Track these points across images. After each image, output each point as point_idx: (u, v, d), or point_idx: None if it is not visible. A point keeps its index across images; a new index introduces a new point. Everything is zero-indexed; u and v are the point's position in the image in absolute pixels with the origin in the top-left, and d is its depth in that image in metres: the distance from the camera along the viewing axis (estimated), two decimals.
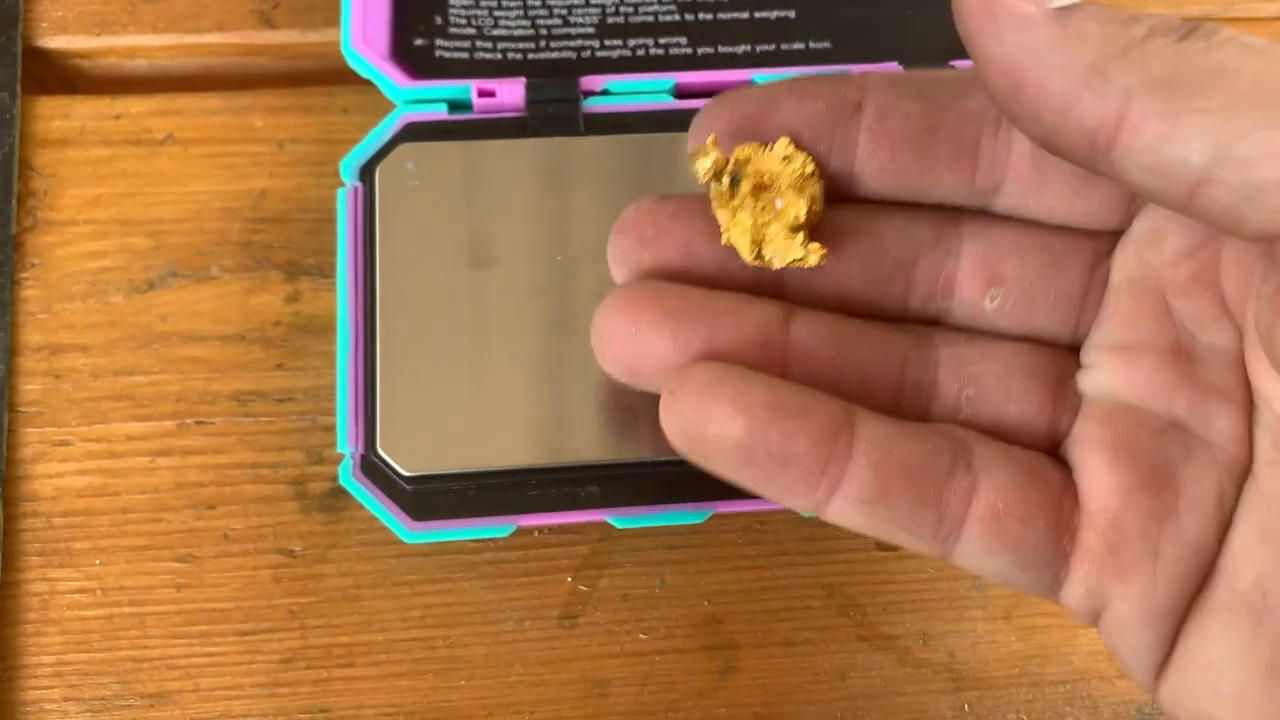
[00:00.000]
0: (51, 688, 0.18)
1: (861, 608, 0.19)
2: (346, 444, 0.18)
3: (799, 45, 0.21)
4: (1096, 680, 0.19)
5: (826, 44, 0.21)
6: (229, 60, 0.22)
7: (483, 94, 0.20)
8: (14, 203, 0.20)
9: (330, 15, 0.22)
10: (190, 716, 0.18)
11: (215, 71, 0.22)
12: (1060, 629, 0.19)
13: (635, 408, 0.18)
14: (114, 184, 0.21)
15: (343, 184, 0.19)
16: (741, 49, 0.21)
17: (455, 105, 0.20)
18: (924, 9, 0.21)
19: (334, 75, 0.21)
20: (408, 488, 0.18)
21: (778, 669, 0.19)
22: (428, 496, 0.18)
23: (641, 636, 0.19)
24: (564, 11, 0.21)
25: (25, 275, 0.20)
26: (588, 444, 0.18)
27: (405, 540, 0.18)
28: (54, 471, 0.19)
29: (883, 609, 0.19)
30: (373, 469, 0.18)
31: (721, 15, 0.21)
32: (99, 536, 0.19)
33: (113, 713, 0.18)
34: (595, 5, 0.21)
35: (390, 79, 0.20)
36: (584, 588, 0.19)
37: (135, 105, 0.21)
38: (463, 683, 0.19)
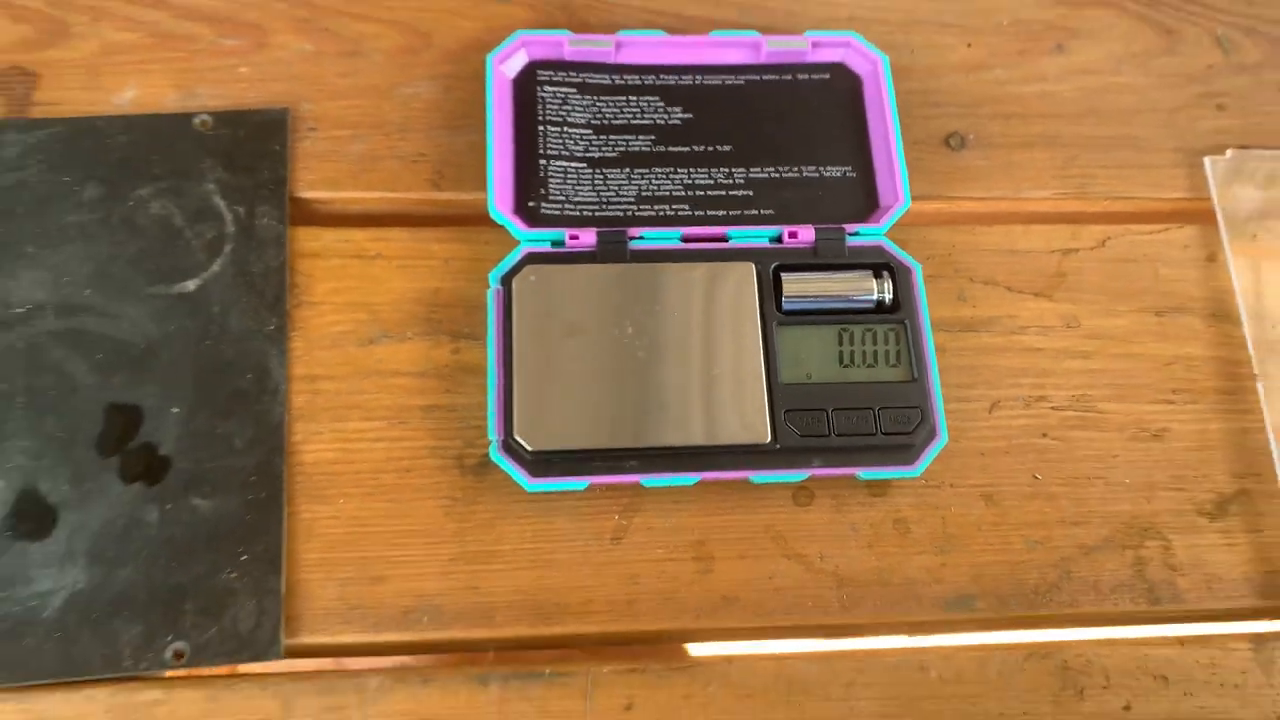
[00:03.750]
0: (315, 573, 0.31)
1: (784, 537, 0.33)
2: (494, 432, 0.32)
3: (754, 212, 0.36)
4: (914, 584, 0.33)
5: (772, 212, 0.36)
6: (414, 208, 0.36)
7: (571, 237, 0.34)
8: (287, 291, 0.34)
9: (478, 183, 0.36)
10: (396, 589, 0.31)
11: (407, 214, 0.36)
12: (900, 554, 0.33)
13: (662, 409, 0.32)
14: (346, 281, 0.35)
15: (489, 286, 0.33)
16: (720, 213, 0.36)
17: (555, 242, 0.34)
18: (831, 192, 0.36)
19: (480, 220, 0.35)
20: (529, 458, 0.32)
21: (735, 571, 0.32)
22: (541, 464, 0.32)
23: (658, 551, 0.32)
24: (615, 189, 0.36)
25: (294, 333, 0.34)
26: (628, 436, 0.32)
27: (527, 490, 0.31)
28: (313, 448, 0.33)
29: (798, 539, 0.33)
30: (508, 447, 0.32)
31: (709, 193, 0.36)
32: (341, 487, 0.32)
33: (351, 586, 0.31)
34: (633, 185, 0.36)
35: (516, 226, 0.34)
36: (624, 522, 0.33)
37: (357, 234, 0.35)
38: (555, 575, 0.32)
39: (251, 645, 0.30)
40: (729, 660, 0.32)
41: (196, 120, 0.36)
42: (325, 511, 0.32)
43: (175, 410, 0.33)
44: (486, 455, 0.33)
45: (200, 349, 0.33)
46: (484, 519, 0.32)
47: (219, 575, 0.31)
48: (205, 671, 0.30)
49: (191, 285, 0.34)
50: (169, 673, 0.30)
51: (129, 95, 0.36)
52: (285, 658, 0.30)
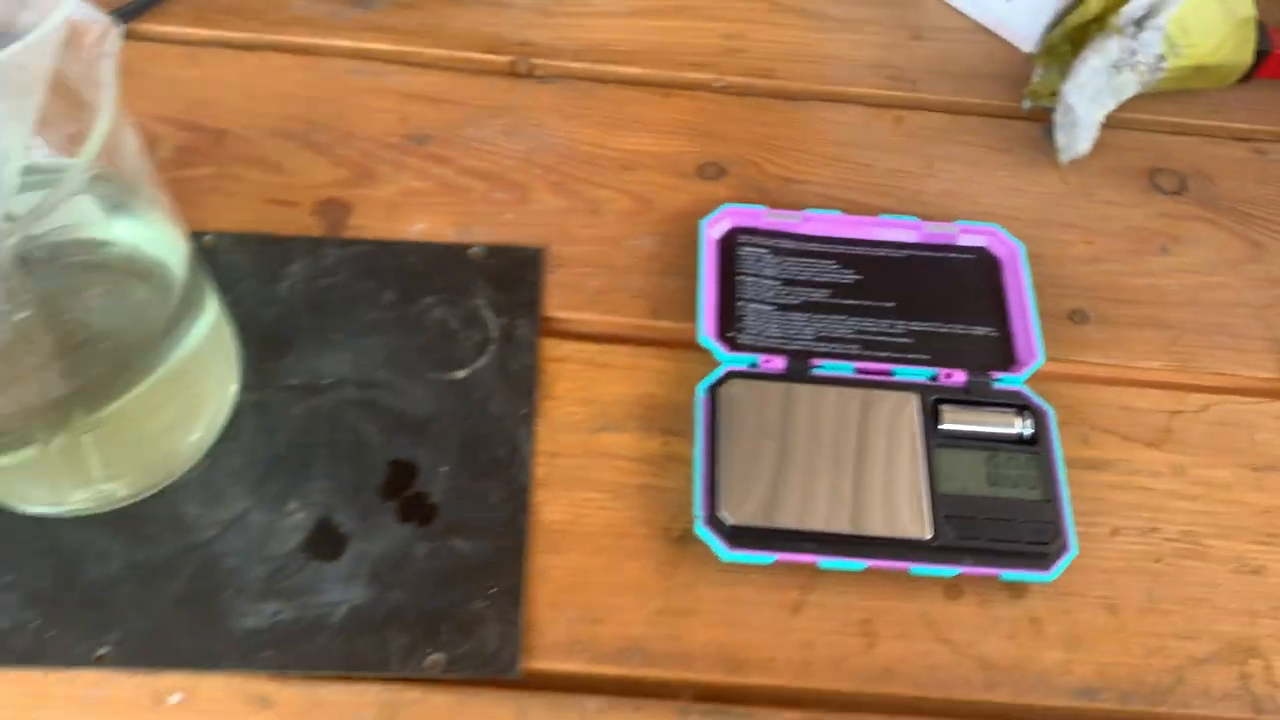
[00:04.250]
0: (547, 611, 0.38)
1: (936, 624, 0.39)
2: (699, 509, 0.39)
3: (913, 355, 0.44)
4: (1047, 673, 0.38)
5: (928, 356, 0.44)
6: (635, 332, 0.45)
7: (764, 362, 0.42)
8: (535, 386, 0.43)
9: (686, 316, 0.45)
10: (611, 631, 0.38)
11: (629, 336, 0.45)
12: (1034, 647, 0.38)
13: (840, 503, 0.39)
14: (580, 382, 0.43)
15: (696, 394, 0.41)
16: (884, 354, 0.44)
17: (751, 365, 0.43)
18: (976, 346, 0.44)
19: (686, 345, 0.44)
20: (729, 531, 0.38)
21: (894, 648, 0.38)
22: (737, 537, 0.38)
23: (829, 624, 0.38)
24: (798, 328, 0.44)
25: (539, 419, 0.42)
26: (812, 522, 0.39)
27: (723, 559, 0.38)
28: (550, 510, 0.40)
29: (948, 626, 0.39)
30: (711, 521, 0.39)
31: (875, 338, 0.44)
32: (570, 543, 0.39)
33: (576, 624, 0.38)
34: (813, 327, 0.44)
35: (720, 349, 0.43)
36: (801, 597, 0.39)
37: (590, 347, 0.44)
38: (742, 634, 0.38)
39: (495, 662, 0.37)
40: (895, 716, 0.37)
41: (471, 251, 0.46)
42: (557, 561, 0.39)
43: (444, 469, 0.40)
44: (687, 529, 0.40)
45: (465, 424, 0.41)
46: (685, 581, 0.39)
47: (471, 603, 0.38)
48: (457, 679, 0.37)
49: (461, 374, 0.43)
50: (427, 677, 0.36)
51: (419, 227, 0.46)
52: (522, 677, 0.37)
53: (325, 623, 0.37)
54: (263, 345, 0.42)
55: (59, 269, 0.35)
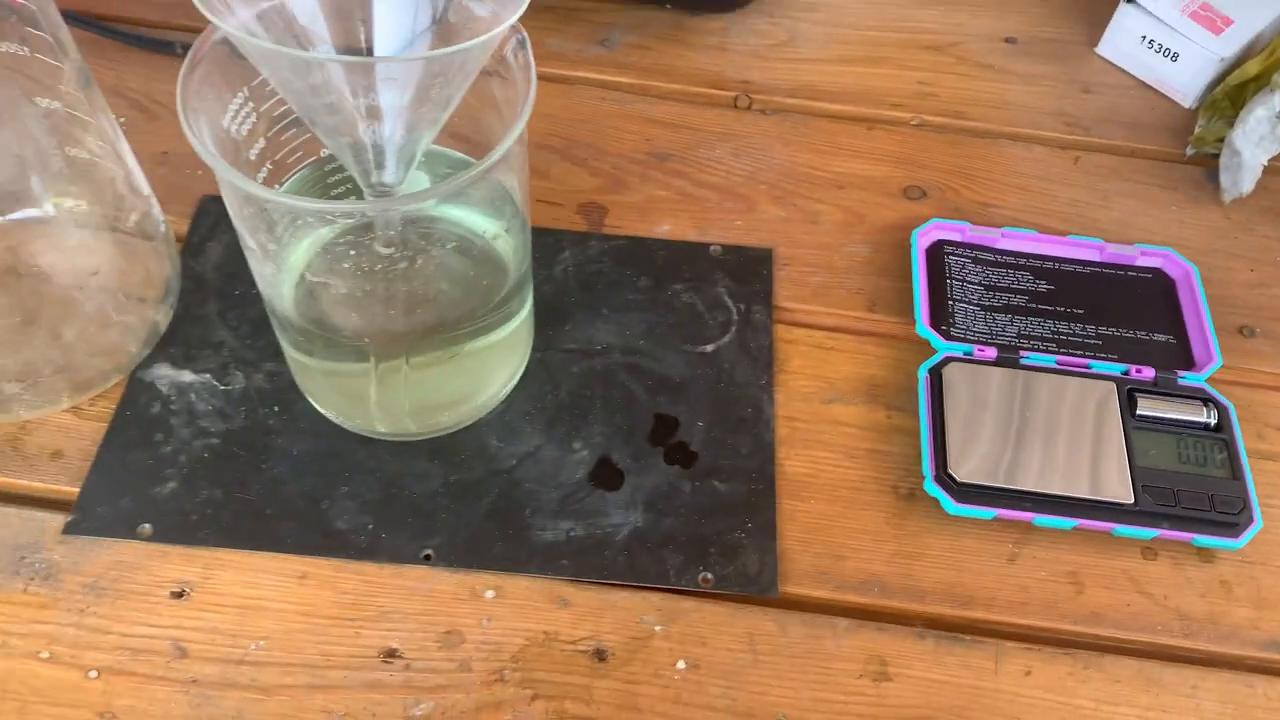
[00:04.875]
0: (796, 545, 0.44)
1: (1136, 579, 0.44)
2: (928, 468, 0.45)
3: (1104, 355, 0.50)
4: (1238, 627, 0.43)
5: (1117, 355, 0.50)
6: (855, 324, 0.51)
7: (978, 351, 0.49)
8: (773, 361, 0.49)
9: (899, 311, 0.51)
10: (853, 566, 0.43)
11: (850, 327, 0.51)
12: (1225, 605, 0.43)
13: (1054, 468, 0.44)
14: (811, 361, 0.49)
15: (919, 375, 0.48)
16: (1079, 352, 0.50)
17: (966, 353, 0.49)
18: (1158, 349, 0.50)
19: (901, 338, 0.50)
20: (956, 488, 0.44)
21: (1100, 596, 0.43)
22: (963, 493, 0.44)
23: (1042, 573, 0.44)
24: (1002, 327, 0.50)
25: (778, 389, 0.48)
26: (1029, 482, 0.44)
27: (949, 512, 0.44)
28: (792, 464, 0.46)
29: (1147, 582, 0.44)
30: (940, 479, 0.45)
31: (1070, 338, 0.50)
32: (811, 492, 0.45)
33: (822, 559, 0.44)
34: (1014, 326, 0.50)
35: (938, 338, 0.49)
36: (1017, 550, 0.44)
37: (817, 334, 0.50)
38: (966, 577, 0.43)
39: (757, 583, 0.43)
40: (1102, 654, 0.42)
41: (711, 249, 0.53)
42: (802, 507, 0.45)
43: (700, 424, 0.47)
44: (914, 487, 0.46)
45: (716, 388, 0.48)
46: (914, 531, 0.45)
47: (733, 534, 0.44)
48: (725, 593, 0.43)
49: (709, 348, 0.49)
50: (700, 591, 0.42)
51: (665, 227, 0.54)
52: (780, 597, 0.42)
53: (611, 540, 0.43)
54: (546, 315, 0.50)
55: (428, 239, 0.43)
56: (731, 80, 0.61)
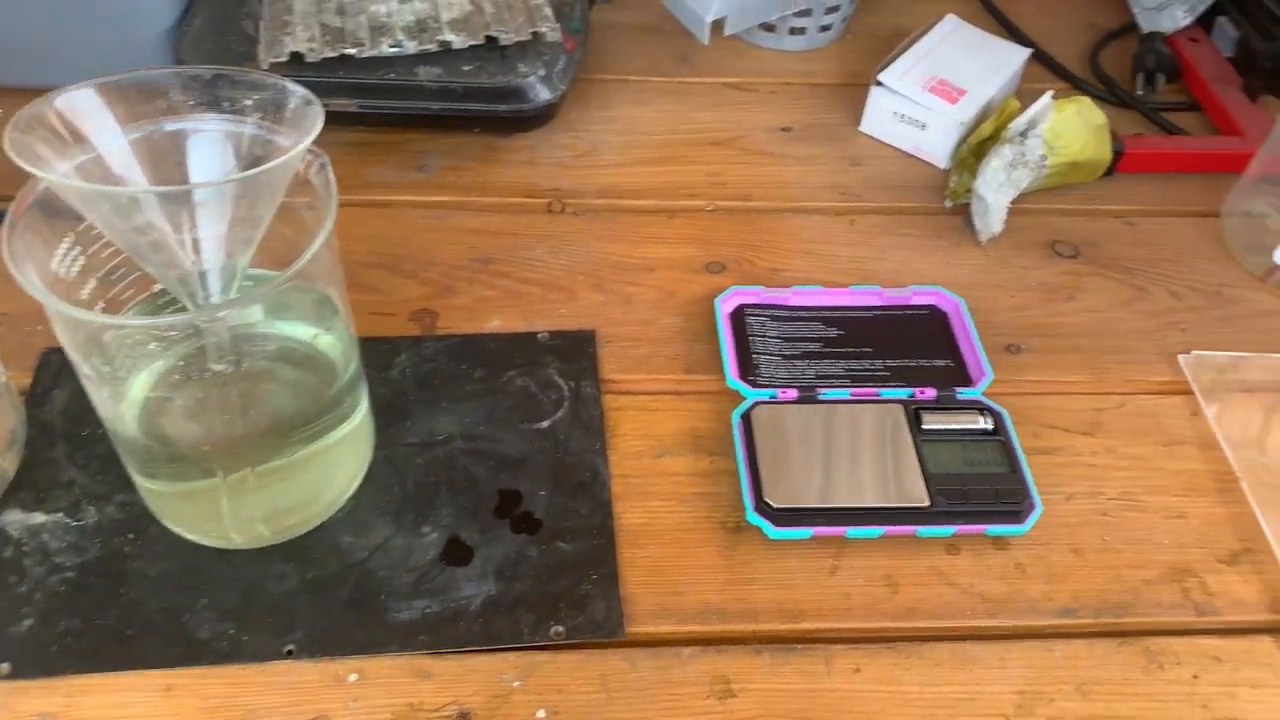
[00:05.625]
0: (639, 589, 0.48)
1: (943, 573, 0.49)
2: (748, 500, 0.50)
3: (892, 383, 0.56)
4: (1035, 601, 0.48)
5: (903, 382, 0.56)
6: (675, 386, 0.56)
7: (781, 393, 0.54)
8: (605, 428, 0.54)
9: (713, 370, 0.57)
10: (691, 600, 0.47)
11: (670, 390, 0.56)
12: (1021, 584, 0.49)
13: (859, 484, 0.50)
14: (639, 423, 0.54)
15: (734, 421, 0.53)
16: (870, 383, 0.56)
17: (771, 397, 0.54)
18: (939, 372, 0.57)
19: (716, 393, 0.55)
20: (774, 514, 0.49)
21: (914, 593, 0.48)
22: (780, 517, 0.49)
23: (860, 579, 0.49)
24: (800, 371, 0.56)
25: (611, 452, 0.53)
26: (837, 499, 0.49)
27: (771, 536, 0.49)
28: (630, 517, 0.50)
29: (952, 574, 0.49)
30: (760, 509, 0.49)
31: (861, 373, 0.56)
32: (649, 539, 0.49)
33: (664, 597, 0.47)
34: (812, 369, 0.57)
35: (745, 387, 0.55)
36: (836, 562, 0.49)
37: (642, 398, 0.55)
38: (794, 594, 0.48)
39: (605, 628, 0.46)
40: (921, 643, 0.47)
41: (539, 336, 0.58)
42: (642, 554, 0.49)
43: (542, 493, 0.51)
44: (740, 520, 0.50)
45: (554, 459, 0.52)
46: (743, 559, 0.49)
47: (579, 587, 0.47)
48: (576, 642, 0.46)
49: (546, 424, 0.54)
50: (553, 644, 0.45)
51: (495, 323, 0.59)
52: (627, 637, 0.46)
53: (466, 611, 0.46)
54: (386, 414, 0.53)
55: (257, 350, 0.46)
56: (543, 189, 0.67)
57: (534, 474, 0.52)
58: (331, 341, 0.46)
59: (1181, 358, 0.59)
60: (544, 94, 0.66)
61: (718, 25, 0.72)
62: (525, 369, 0.56)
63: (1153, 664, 0.47)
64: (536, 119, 0.68)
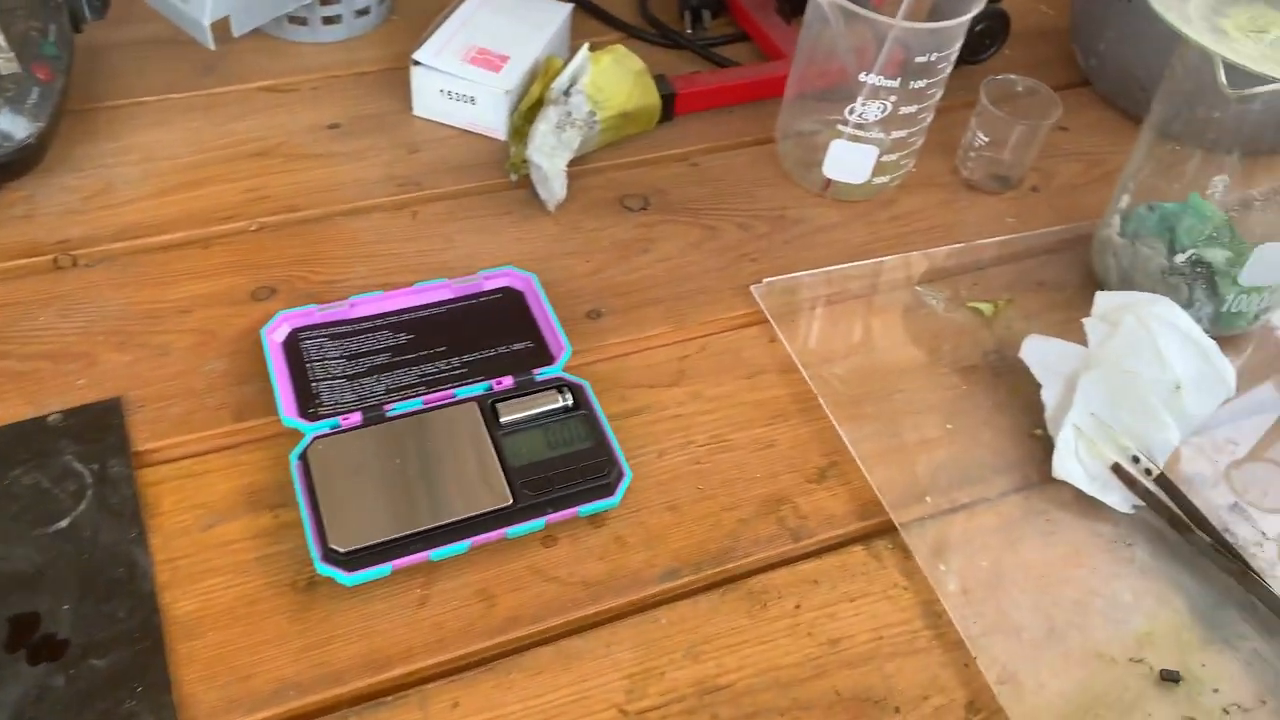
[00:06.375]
0: (198, 686, 0.41)
1: (542, 570, 0.46)
2: (314, 550, 0.44)
3: (469, 379, 0.52)
4: (637, 573, 0.46)
5: (482, 376, 0.52)
6: (224, 439, 0.50)
7: (343, 420, 0.49)
8: (141, 510, 0.46)
9: (268, 411, 0.50)
10: (262, 681, 0.41)
11: (219, 445, 0.50)
12: (623, 558, 0.47)
13: (432, 502, 0.45)
14: (184, 494, 0.47)
15: (291, 465, 0.47)
16: (445, 386, 0.52)
17: (333, 427, 0.49)
18: (519, 356, 0.53)
19: (275, 434, 0.49)
20: (344, 558, 0.44)
21: (512, 600, 0.45)
22: (353, 561, 0.44)
23: (454, 603, 0.44)
24: (369, 389, 0.51)
25: (152, 535, 0.45)
26: (411, 524, 0.45)
27: (347, 585, 0.44)
28: (181, 606, 0.43)
29: (552, 567, 0.46)
30: (327, 556, 0.44)
31: (437, 376, 0.52)
32: (207, 626, 0.43)
33: (229, 687, 0.41)
34: (382, 384, 0.52)
35: (302, 423, 0.49)
36: (425, 592, 0.45)
37: (186, 463, 0.48)
38: (379, 640, 0.43)
39: None
40: (520, 654, 0.43)
41: (49, 419, 0.49)
42: (199, 644, 0.42)
43: (66, 607, 0.43)
44: (312, 575, 0.45)
45: (79, 561, 0.44)
46: (320, 617, 0.44)
47: (122, 706, 0.40)
48: None
49: (65, 523, 0.45)
50: None
51: None
52: None
53: None
54: None
55: None
56: (46, 243, 0.58)
57: (54, 586, 0.43)
58: None
59: (754, 288, 0.60)
60: (17, 132, 0.56)
61: (224, 28, 0.64)
62: (33, 462, 0.47)
63: (756, 605, 0.46)
64: (20, 163, 0.58)
